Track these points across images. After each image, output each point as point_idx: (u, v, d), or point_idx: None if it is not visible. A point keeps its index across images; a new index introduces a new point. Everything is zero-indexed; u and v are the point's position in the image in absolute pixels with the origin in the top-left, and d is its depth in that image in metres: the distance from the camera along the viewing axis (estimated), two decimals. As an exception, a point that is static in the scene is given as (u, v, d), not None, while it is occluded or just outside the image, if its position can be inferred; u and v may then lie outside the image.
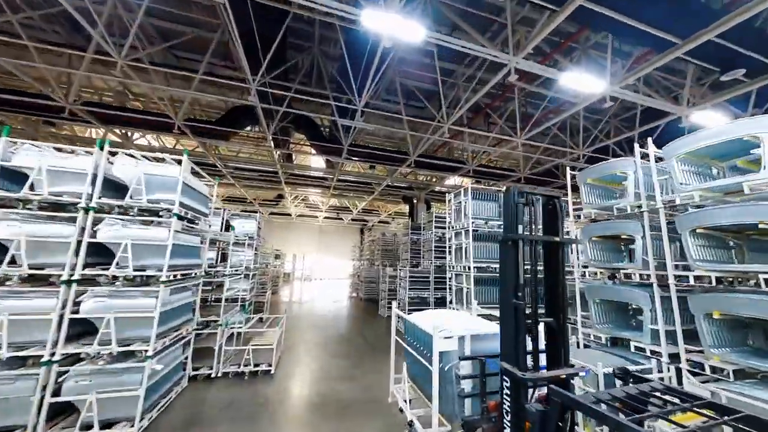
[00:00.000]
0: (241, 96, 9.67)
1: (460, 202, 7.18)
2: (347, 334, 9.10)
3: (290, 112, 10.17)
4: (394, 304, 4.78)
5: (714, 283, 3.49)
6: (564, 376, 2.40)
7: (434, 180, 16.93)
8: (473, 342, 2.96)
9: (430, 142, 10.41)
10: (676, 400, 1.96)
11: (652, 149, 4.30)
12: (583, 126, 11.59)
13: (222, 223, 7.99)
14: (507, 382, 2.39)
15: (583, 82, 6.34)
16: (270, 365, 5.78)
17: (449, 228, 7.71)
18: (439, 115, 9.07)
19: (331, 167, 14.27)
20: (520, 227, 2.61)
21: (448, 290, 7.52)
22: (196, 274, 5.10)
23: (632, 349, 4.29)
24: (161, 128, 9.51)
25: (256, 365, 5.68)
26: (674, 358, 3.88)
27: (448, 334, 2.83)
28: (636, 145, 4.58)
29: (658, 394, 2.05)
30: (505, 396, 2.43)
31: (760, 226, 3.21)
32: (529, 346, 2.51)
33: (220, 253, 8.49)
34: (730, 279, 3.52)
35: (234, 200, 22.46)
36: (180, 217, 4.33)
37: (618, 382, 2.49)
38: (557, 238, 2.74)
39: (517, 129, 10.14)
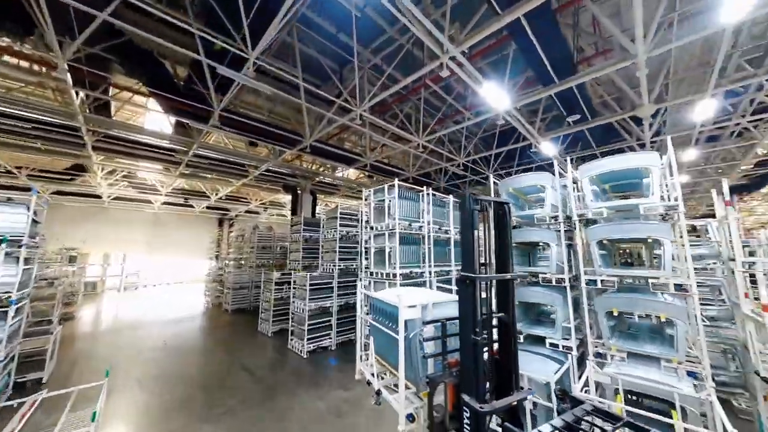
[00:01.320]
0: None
1: (383, 200, 6.37)
2: (221, 373, 6.61)
3: (114, 31, 6.27)
4: (360, 284, 4.45)
5: (615, 286, 4.25)
6: (516, 402, 2.65)
7: (324, 169, 15.46)
8: (435, 308, 3.18)
9: (335, 125, 9.01)
10: (607, 425, 2.36)
11: (570, 169, 4.88)
12: (457, 139, 13.37)
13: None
14: (467, 412, 2.47)
15: (494, 95, 6.79)
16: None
17: (366, 228, 6.78)
18: (345, 89, 7.86)
19: (186, 135, 10.25)
20: (477, 265, 2.79)
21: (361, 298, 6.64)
22: None
23: (547, 345, 4.82)
24: None
25: None
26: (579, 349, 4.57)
27: (413, 303, 3.01)
28: (555, 163, 5.13)
29: (589, 419, 2.42)
30: (465, 425, 2.49)
31: (649, 240, 4.07)
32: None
33: None
34: (618, 281, 4.37)
35: (-36, 166, 12.92)
36: None
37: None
38: (508, 276, 2.92)
39: (419, 129, 10.32)
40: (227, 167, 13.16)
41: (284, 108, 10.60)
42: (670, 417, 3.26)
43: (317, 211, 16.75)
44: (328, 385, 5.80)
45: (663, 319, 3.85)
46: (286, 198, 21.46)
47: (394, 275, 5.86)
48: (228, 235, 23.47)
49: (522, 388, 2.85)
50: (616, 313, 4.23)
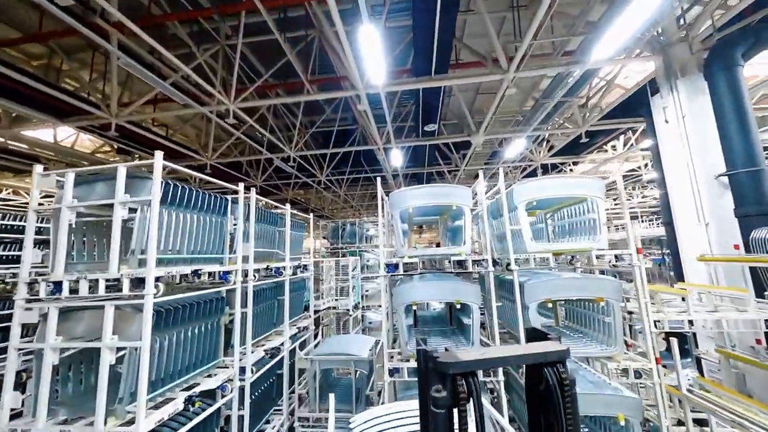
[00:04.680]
0: None
1: (114, 204, 2.28)
2: None
3: None
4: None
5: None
6: None
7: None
8: None
9: None
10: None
11: (502, 183, 3.21)
12: (286, 128, 10.29)
13: None
14: None
15: (372, 52, 4.52)
16: None
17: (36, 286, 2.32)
18: None
19: None
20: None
21: None
22: None
23: None
24: None
25: None
26: None
27: None
28: (481, 175, 3.36)
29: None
30: None
31: (601, 304, 2.97)
32: None
33: None
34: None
35: None
36: None
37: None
38: None
39: (229, 90, 6.36)
40: None
41: None
42: None
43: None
44: None
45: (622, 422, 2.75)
46: None
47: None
48: None
49: None
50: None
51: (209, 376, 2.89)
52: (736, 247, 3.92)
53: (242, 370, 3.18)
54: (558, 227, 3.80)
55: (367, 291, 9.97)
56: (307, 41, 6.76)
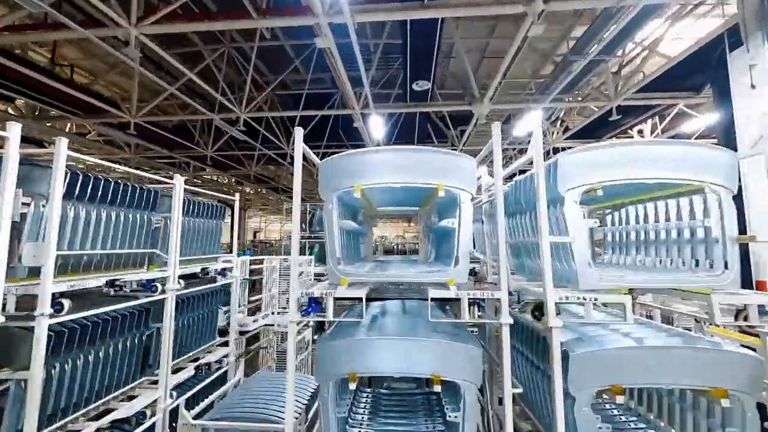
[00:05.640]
0: None
1: None
2: None
3: None
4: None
5: None
6: None
7: None
8: None
9: None
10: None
11: (539, 148, 1.68)
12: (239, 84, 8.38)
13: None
14: None
15: None
16: None
17: None
18: None
19: None
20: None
21: None
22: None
23: None
24: None
25: None
26: None
27: None
28: (497, 130, 1.81)
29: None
30: None
31: (722, 401, 1.52)
32: None
33: None
34: None
35: None
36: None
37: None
38: None
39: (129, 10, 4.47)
40: None
41: None
42: None
43: None
44: None
45: None
46: None
47: None
48: None
49: None
50: None
51: None
52: None
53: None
54: (621, 237, 2.30)
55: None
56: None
